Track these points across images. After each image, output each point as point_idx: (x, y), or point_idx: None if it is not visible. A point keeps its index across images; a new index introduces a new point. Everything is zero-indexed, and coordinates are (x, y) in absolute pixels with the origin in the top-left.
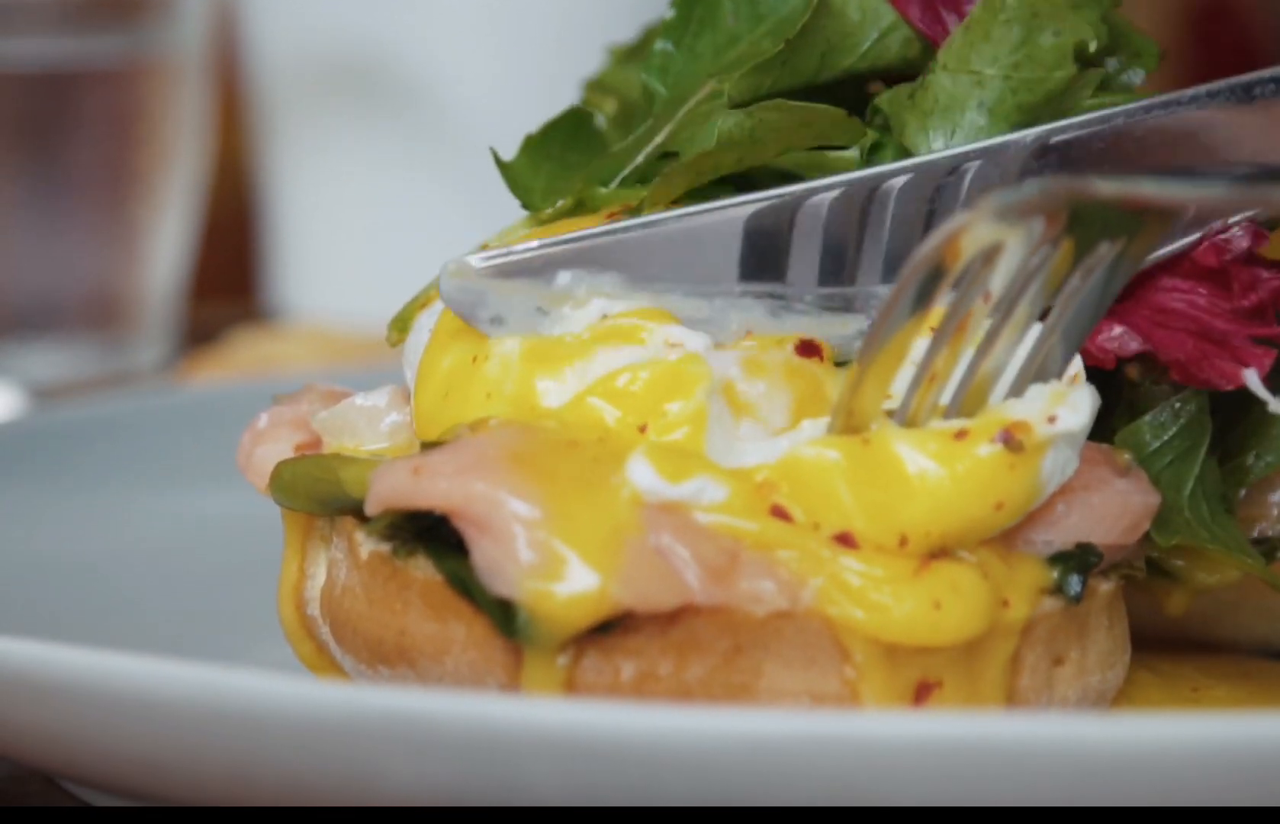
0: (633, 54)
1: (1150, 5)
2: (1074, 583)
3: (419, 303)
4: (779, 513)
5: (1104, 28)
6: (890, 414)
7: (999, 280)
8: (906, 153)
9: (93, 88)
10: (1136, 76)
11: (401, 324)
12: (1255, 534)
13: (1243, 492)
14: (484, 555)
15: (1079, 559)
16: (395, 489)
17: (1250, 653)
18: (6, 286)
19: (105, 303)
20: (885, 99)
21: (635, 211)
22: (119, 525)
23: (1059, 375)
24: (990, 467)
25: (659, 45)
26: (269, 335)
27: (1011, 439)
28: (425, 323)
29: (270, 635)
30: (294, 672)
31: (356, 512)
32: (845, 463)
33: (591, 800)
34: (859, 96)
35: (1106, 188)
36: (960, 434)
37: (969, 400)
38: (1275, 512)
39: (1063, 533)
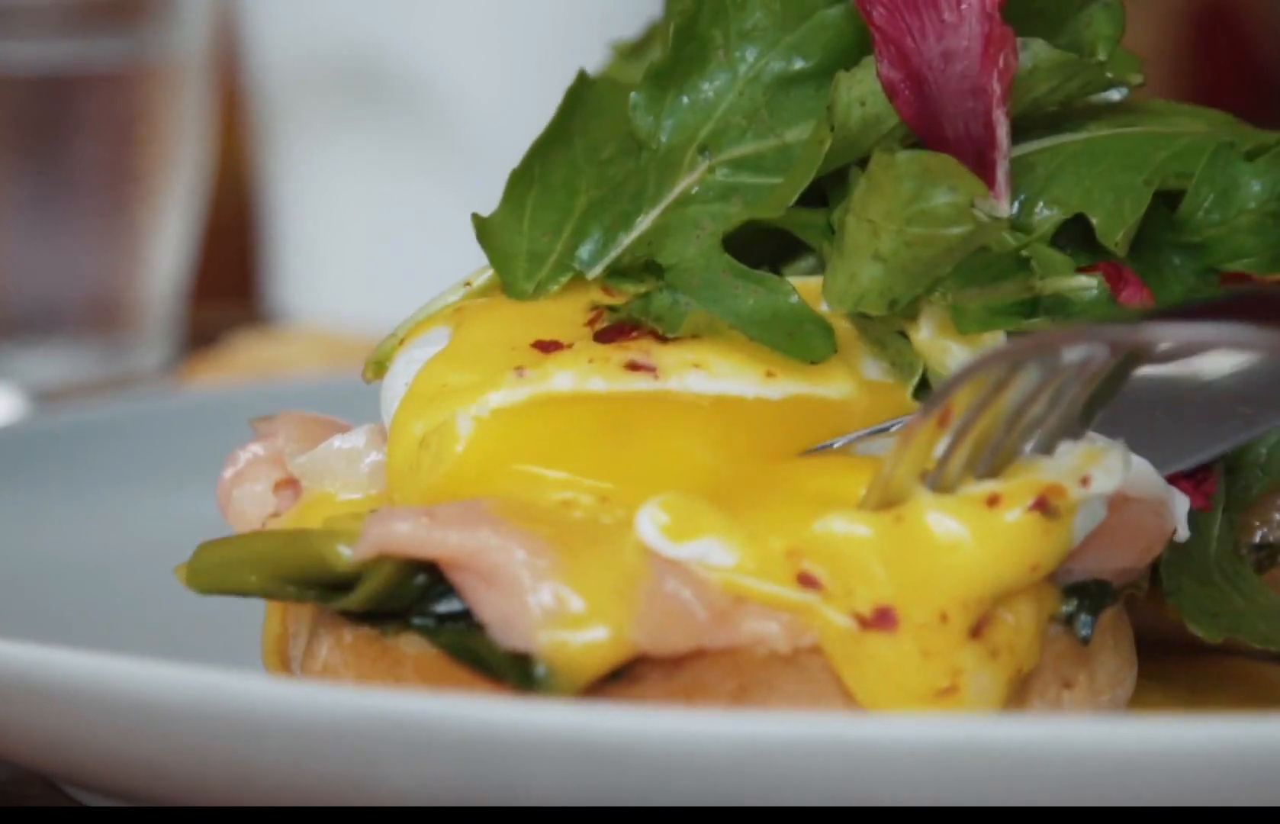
0: (635, 51)
1: (1149, 11)
2: (1085, 624)
3: (396, 340)
4: (807, 579)
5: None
6: (923, 474)
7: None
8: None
9: (94, 90)
10: (1119, 92)
11: (378, 364)
12: (1256, 540)
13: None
14: (494, 610)
15: (1094, 598)
16: (400, 536)
17: (1250, 656)
18: (7, 289)
19: (106, 306)
20: (837, 216)
21: (616, 312)
22: (120, 528)
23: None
24: (1025, 532)
25: (642, 92)
26: (270, 339)
27: (1047, 505)
28: (399, 367)
29: None
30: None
31: (329, 594)
32: (878, 538)
33: (592, 801)
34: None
35: (1122, 333)
36: (993, 500)
37: (1000, 458)
38: (1276, 516)
39: (1081, 563)
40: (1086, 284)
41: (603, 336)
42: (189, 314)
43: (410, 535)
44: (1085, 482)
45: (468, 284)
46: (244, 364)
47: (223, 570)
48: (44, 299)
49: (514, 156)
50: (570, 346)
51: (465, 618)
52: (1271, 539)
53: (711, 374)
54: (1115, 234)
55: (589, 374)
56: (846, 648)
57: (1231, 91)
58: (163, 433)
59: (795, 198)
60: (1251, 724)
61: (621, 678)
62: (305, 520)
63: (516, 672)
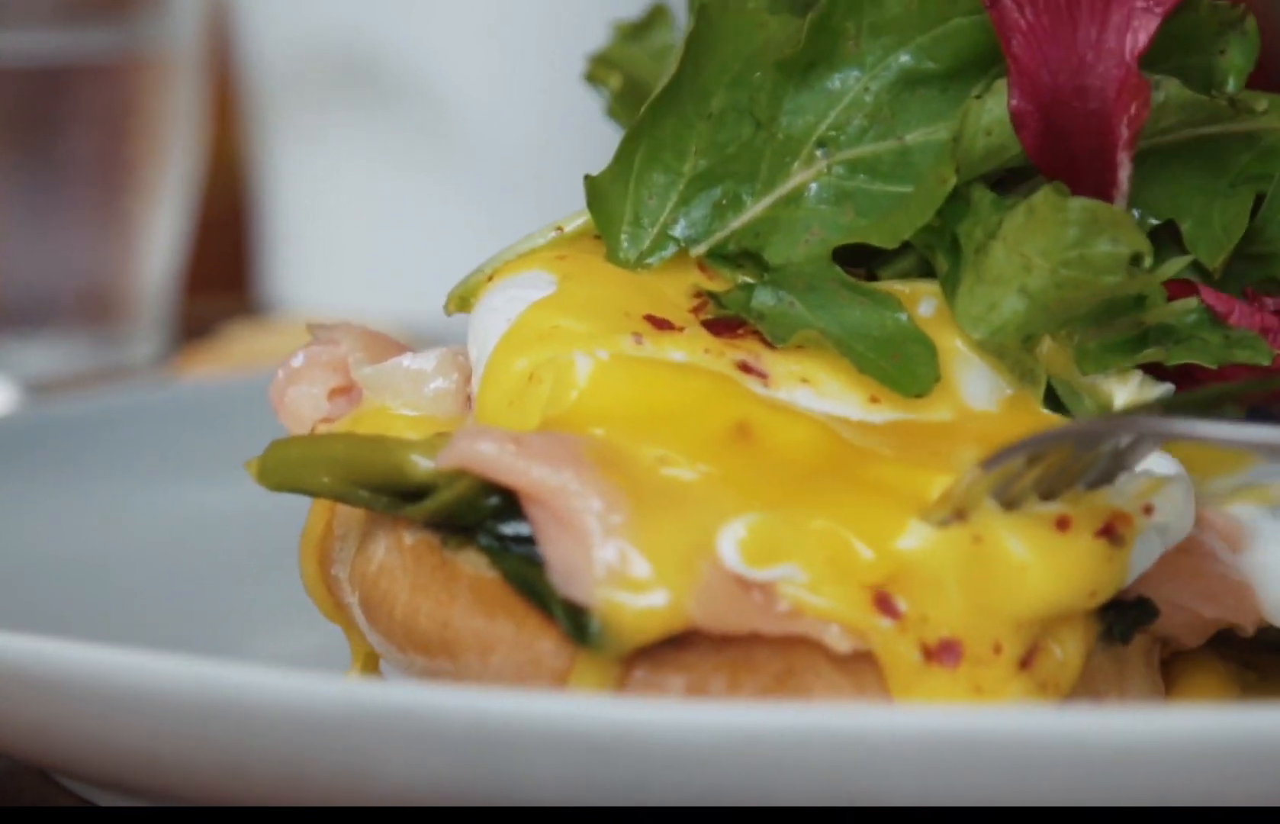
0: (638, 31)
1: None
2: (1120, 635)
3: (484, 275)
4: (884, 603)
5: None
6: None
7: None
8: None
9: (87, 82)
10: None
11: (462, 298)
12: None
13: None
14: (561, 554)
15: (1135, 614)
16: (485, 456)
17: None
18: (0, 281)
19: (100, 297)
20: (964, 231)
21: (721, 306)
22: (114, 520)
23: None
24: (1090, 557)
25: (767, 77)
26: (264, 330)
27: (1113, 532)
28: (495, 303)
29: (268, 629)
30: (291, 666)
31: (399, 501)
32: (957, 561)
33: (590, 799)
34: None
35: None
36: (1062, 522)
37: (1063, 480)
38: None
39: (1135, 589)
40: (1187, 309)
41: (712, 327)
42: (183, 305)
43: (495, 457)
44: (1148, 510)
45: (559, 228)
46: (238, 355)
47: (296, 468)
48: (37, 291)
49: (508, 150)
50: (682, 330)
51: (528, 546)
52: None
53: (818, 393)
54: (1214, 257)
55: (704, 364)
56: (905, 673)
57: None
58: (156, 424)
59: (912, 232)
60: (1255, 717)
61: (673, 641)
62: (360, 428)
63: (571, 621)
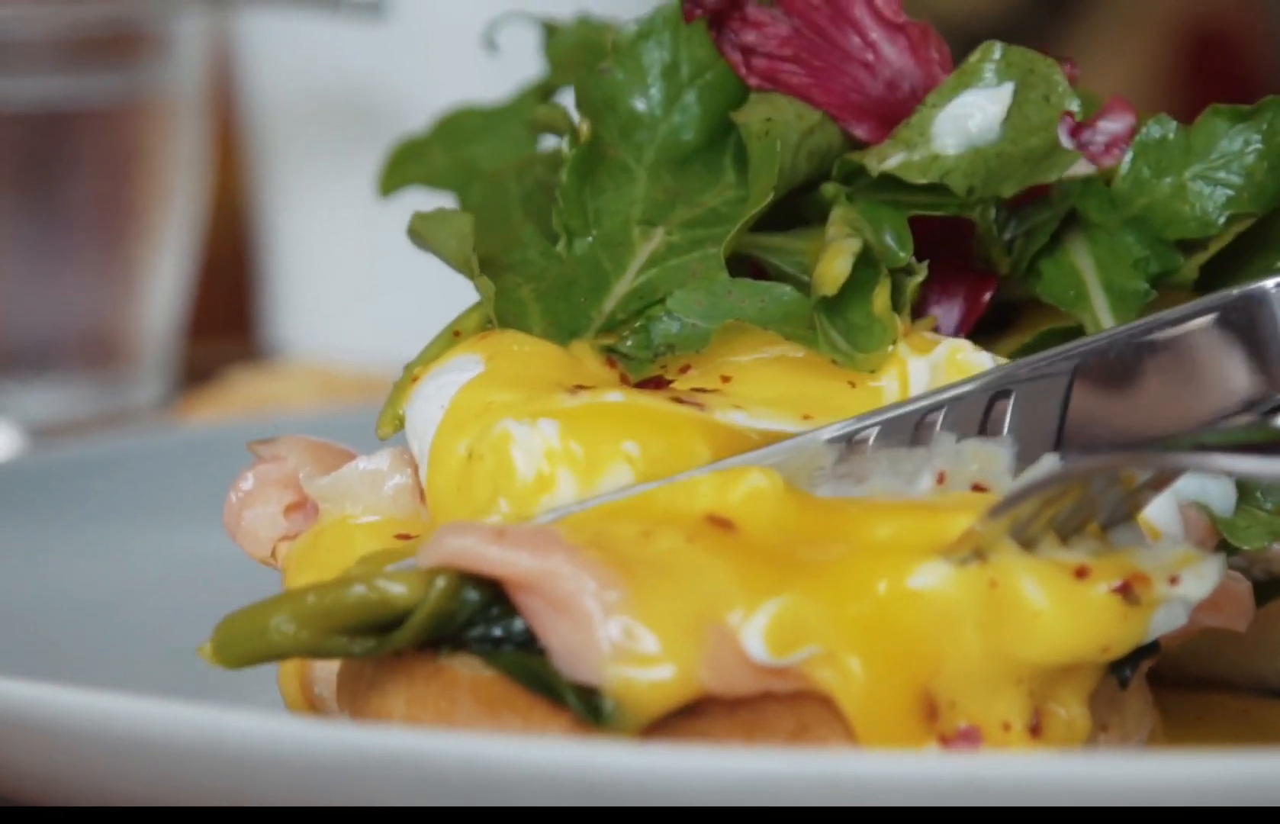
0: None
1: (1144, 36)
2: (1126, 672)
3: (411, 375)
4: (929, 709)
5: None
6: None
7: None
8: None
9: (89, 126)
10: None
11: (392, 417)
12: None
13: None
14: (562, 639)
15: (1139, 652)
16: (469, 551)
17: (1247, 692)
18: (3, 325)
19: (102, 341)
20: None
21: (629, 359)
22: (116, 564)
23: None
24: (1105, 610)
25: (559, 198)
26: (267, 374)
27: (1130, 591)
28: (428, 392)
29: (270, 674)
30: (292, 712)
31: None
32: (975, 601)
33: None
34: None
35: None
36: (1081, 572)
37: (1080, 518)
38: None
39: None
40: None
41: (641, 387)
42: (185, 349)
43: (481, 552)
44: (1174, 581)
45: (456, 332)
46: (241, 399)
47: (253, 638)
48: (40, 335)
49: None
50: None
51: (522, 640)
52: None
53: (750, 416)
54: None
55: (640, 399)
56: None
57: None
58: (159, 468)
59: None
60: (1249, 762)
61: (685, 712)
62: (323, 543)
63: (582, 703)
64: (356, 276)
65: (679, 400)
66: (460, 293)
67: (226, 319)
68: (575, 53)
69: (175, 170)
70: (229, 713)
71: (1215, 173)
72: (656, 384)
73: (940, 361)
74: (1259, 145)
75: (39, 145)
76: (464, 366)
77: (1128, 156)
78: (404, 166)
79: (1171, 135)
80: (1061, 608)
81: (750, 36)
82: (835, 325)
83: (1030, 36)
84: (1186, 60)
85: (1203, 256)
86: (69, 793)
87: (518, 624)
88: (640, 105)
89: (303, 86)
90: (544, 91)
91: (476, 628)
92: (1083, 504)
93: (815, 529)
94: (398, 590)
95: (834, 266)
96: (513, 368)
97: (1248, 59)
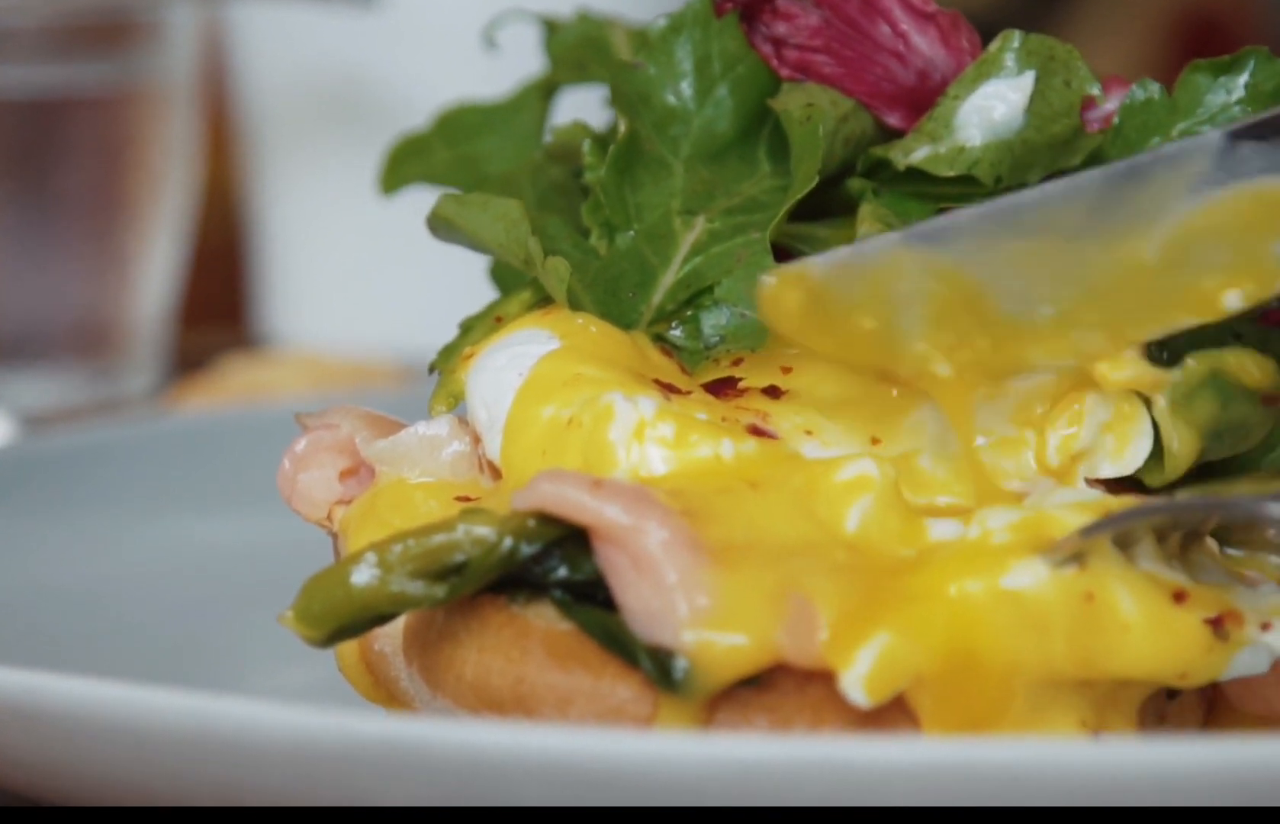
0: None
1: (1138, 23)
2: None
3: (463, 354)
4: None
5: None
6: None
7: None
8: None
9: (81, 115)
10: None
11: (446, 394)
12: None
13: None
14: (640, 598)
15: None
16: (563, 496)
17: None
18: None
19: (95, 330)
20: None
21: (674, 346)
22: (109, 553)
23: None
24: (1192, 637)
25: (594, 195)
26: (259, 362)
27: (1221, 626)
28: (498, 362)
29: (264, 663)
30: (288, 700)
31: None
32: (1067, 607)
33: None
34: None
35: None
36: (1179, 595)
37: (1188, 531)
38: None
39: None
40: None
41: (711, 389)
42: (178, 338)
43: (575, 497)
44: (1265, 627)
45: (498, 318)
46: (233, 388)
47: (338, 593)
48: (32, 323)
49: None
50: (689, 394)
51: (582, 589)
52: None
53: (823, 443)
54: None
55: (721, 433)
56: None
57: None
58: (152, 457)
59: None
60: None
61: (755, 683)
62: (381, 502)
63: (655, 665)
64: (348, 265)
65: (756, 430)
66: (455, 281)
67: (218, 308)
68: (576, 49)
69: (167, 159)
70: (220, 699)
71: (1201, 128)
72: (724, 385)
73: None
74: (1242, 93)
75: (30, 134)
76: (534, 339)
77: (1114, 121)
78: (405, 163)
79: (1156, 96)
80: (1152, 627)
81: (781, 28)
82: None
83: (1026, 24)
84: (1181, 47)
85: None
86: (61, 783)
87: (586, 567)
88: (674, 99)
89: (295, 76)
90: (546, 88)
91: (556, 578)
92: (1196, 526)
93: (911, 535)
94: (485, 533)
95: None
96: (590, 345)
97: (1241, 44)
